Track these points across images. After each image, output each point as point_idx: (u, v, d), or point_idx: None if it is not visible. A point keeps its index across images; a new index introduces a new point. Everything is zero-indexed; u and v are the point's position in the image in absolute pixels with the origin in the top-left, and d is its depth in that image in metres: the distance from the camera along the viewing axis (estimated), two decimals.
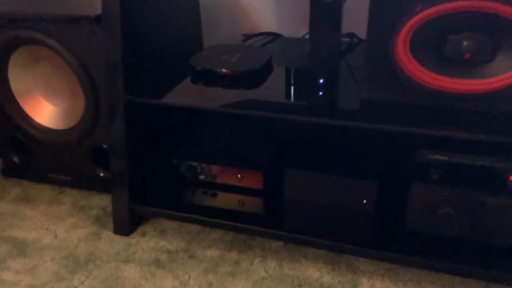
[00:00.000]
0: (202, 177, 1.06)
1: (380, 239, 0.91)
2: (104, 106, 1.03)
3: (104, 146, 1.08)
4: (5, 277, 0.91)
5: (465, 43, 0.76)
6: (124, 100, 0.95)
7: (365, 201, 0.94)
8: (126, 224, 1.02)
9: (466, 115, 0.81)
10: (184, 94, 0.97)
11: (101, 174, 1.12)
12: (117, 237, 1.02)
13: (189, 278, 0.91)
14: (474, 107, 0.80)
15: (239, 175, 1.05)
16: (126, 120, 0.97)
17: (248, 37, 1.26)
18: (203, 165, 1.06)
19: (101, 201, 1.14)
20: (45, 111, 1.13)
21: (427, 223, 0.85)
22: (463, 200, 0.80)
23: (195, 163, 1.06)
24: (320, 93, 0.95)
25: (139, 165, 1.03)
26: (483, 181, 0.79)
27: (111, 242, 1.01)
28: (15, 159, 1.19)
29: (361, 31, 1.18)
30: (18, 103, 1.12)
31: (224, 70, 0.99)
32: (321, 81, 0.94)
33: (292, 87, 0.97)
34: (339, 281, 0.89)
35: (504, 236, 0.82)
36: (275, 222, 0.97)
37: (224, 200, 1.04)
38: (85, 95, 1.04)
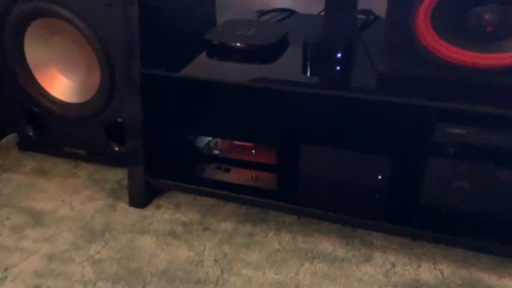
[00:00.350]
0: (216, 151, 1.07)
1: (394, 214, 0.92)
2: (119, 80, 1.03)
3: (119, 120, 1.09)
4: (24, 245, 0.93)
5: (487, 15, 0.75)
6: (140, 73, 0.95)
7: (380, 177, 0.95)
8: (142, 196, 1.04)
9: (485, 90, 0.80)
10: (200, 68, 0.97)
11: (116, 148, 1.13)
12: (132, 209, 1.03)
13: (204, 249, 0.92)
14: (494, 82, 0.79)
15: (253, 150, 1.06)
16: (142, 93, 0.97)
17: (262, 13, 1.25)
18: (217, 140, 1.07)
19: (116, 175, 1.15)
20: (61, 85, 1.14)
21: (443, 197, 0.85)
22: (479, 175, 0.80)
23: (209, 138, 1.07)
24: (337, 68, 0.94)
25: (155, 139, 1.04)
26: (500, 156, 0.79)
27: (126, 214, 1.02)
28: (31, 133, 1.20)
29: (378, 8, 1.17)
30: (34, 77, 1.13)
31: (240, 44, 0.99)
32: (339, 55, 0.93)
33: (309, 62, 0.97)
34: (353, 255, 0.90)
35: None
36: (289, 196, 0.98)
37: (238, 175, 1.04)
38: (100, 69, 1.04)
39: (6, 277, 0.85)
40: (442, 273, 0.85)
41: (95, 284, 0.84)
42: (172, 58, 1.01)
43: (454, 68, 0.80)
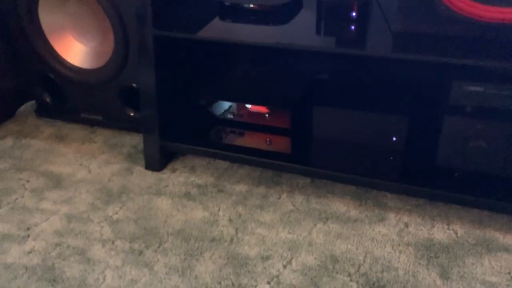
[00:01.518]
0: (230, 115, 1.07)
1: (409, 174, 0.91)
2: (134, 44, 1.03)
3: (134, 85, 1.10)
4: (44, 206, 0.96)
5: None
6: (153, 35, 0.95)
7: (394, 139, 0.94)
8: (157, 160, 1.05)
9: (503, 45, 0.78)
10: (212, 29, 0.97)
11: (131, 114, 1.14)
12: (149, 172, 1.05)
13: (219, 209, 0.93)
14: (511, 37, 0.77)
15: (266, 114, 1.06)
16: (155, 57, 0.97)
17: None
18: (231, 103, 1.07)
19: (132, 140, 1.16)
20: (75, 50, 1.14)
21: (459, 157, 0.84)
22: (496, 133, 0.79)
23: (223, 102, 1.07)
24: (352, 27, 0.92)
25: (169, 103, 1.04)
26: None
27: (143, 177, 1.04)
28: (47, 99, 1.21)
29: None
30: (49, 43, 1.14)
31: (252, 4, 0.98)
32: (353, 14, 0.91)
33: (323, 21, 0.95)
34: (366, 215, 0.91)
35: None
36: (303, 159, 0.98)
37: (252, 139, 1.05)
38: (114, 34, 1.05)
39: (28, 235, 0.89)
40: (456, 232, 0.85)
41: (113, 242, 0.87)
42: (184, 20, 1.01)
43: (472, 23, 0.78)
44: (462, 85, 0.77)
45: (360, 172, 0.92)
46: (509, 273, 0.77)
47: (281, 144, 1.04)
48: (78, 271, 0.81)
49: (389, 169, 0.93)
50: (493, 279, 0.76)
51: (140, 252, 0.84)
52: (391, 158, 0.95)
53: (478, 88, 0.76)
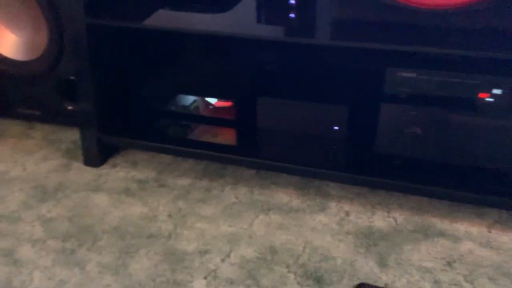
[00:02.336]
0: (173, 107, 1.04)
1: (351, 163, 0.91)
2: (69, 35, 0.99)
3: (72, 78, 1.05)
4: None
5: None
6: (86, 23, 0.91)
7: (336, 128, 0.93)
8: (96, 155, 1.01)
9: (438, 32, 0.78)
10: (153, 18, 0.93)
11: (70, 107, 1.10)
12: (88, 168, 1.01)
13: (159, 205, 0.90)
14: (444, 23, 0.77)
15: (211, 106, 1.03)
16: (90, 46, 0.93)
17: None
18: (174, 95, 1.04)
19: (72, 135, 1.12)
20: (8, 42, 1.08)
21: (396, 144, 0.84)
22: (431, 119, 0.79)
23: (166, 93, 1.04)
24: (292, 15, 0.91)
25: (107, 95, 1.00)
26: (452, 99, 0.77)
27: (81, 173, 0.99)
28: None
29: None
30: None
31: None
32: (293, 2, 0.90)
33: (263, 9, 0.93)
34: (308, 205, 0.89)
35: (471, 155, 0.81)
36: (248, 150, 0.96)
37: (196, 131, 1.02)
38: (47, 24, 0.99)
39: None
40: (395, 220, 0.85)
41: (44, 242, 0.82)
42: (121, 8, 0.97)
43: (408, 10, 0.78)
44: (395, 71, 0.77)
45: (303, 162, 0.91)
46: (444, 258, 0.77)
47: (227, 136, 1.01)
48: (3, 273, 0.76)
49: (331, 158, 0.93)
50: (429, 264, 0.76)
51: (73, 251, 0.80)
52: (334, 147, 0.94)
53: (411, 74, 0.76)
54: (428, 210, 0.87)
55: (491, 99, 0.75)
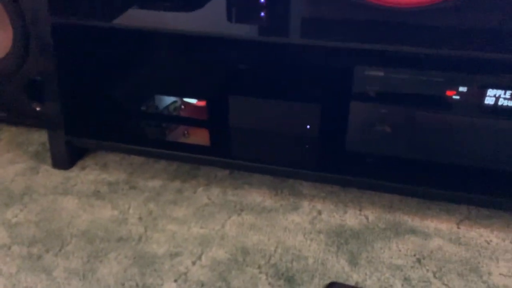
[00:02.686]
0: (143, 108, 1.02)
1: (323, 162, 0.91)
2: (34, 34, 0.96)
3: (39, 78, 1.02)
4: None
5: None
6: (51, 23, 0.88)
7: (308, 126, 0.93)
8: (65, 158, 0.98)
9: (406, 30, 0.78)
10: (122, 16, 0.91)
11: (38, 108, 1.07)
12: (56, 171, 0.98)
13: (129, 207, 0.89)
14: (411, 21, 0.77)
15: (182, 105, 1.02)
16: (56, 46, 0.90)
17: None
18: (145, 95, 1.02)
19: (41, 137, 1.09)
20: None
21: (367, 142, 0.85)
22: (400, 117, 0.80)
23: (136, 93, 1.02)
24: (262, 13, 0.90)
25: (75, 96, 0.98)
26: (420, 97, 0.78)
27: (49, 176, 0.97)
28: None
29: None
30: None
31: None
32: (263, 0, 0.89)
33: (232, 8, 0.92)
34: (280, 205, 0.89)
35: (440, 152, 0.82)
36: (221, 151, 0.95)
37: (168, 132, 1.01)
38: (12, 23, 0.96)
39: None
40: (367, 218, 0.86)
41: (9, 248, 0.80)
42: (88, 7, 0.94)
43: (377, 8, 0.78)
44: (363, 70, 0.77)
45: (276, 162, 0.91)
46: (414, 255, 0.78)
47: (199, 136, 1.00)
48: None
49: (304, 157, 0.92)
50: (399, 261, 0.76)
51: (39, 257, 0.78)
52: (306, 146, 0.94)
53: (378, 73, 0.76)
54: (400, 207, 0.88)
55: (458, 97, 0.76)
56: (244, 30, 0.88)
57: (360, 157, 0.88)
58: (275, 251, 0.79)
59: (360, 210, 0.87)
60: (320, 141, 0.93)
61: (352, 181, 0.88)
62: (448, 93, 0.76)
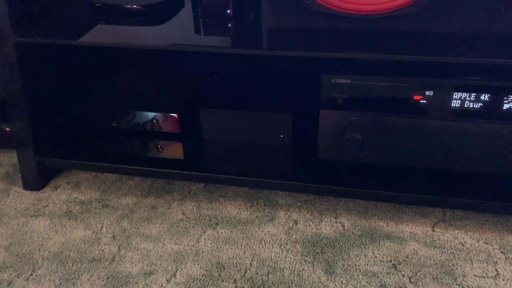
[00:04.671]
0: (114, 124, 1.01)
1: (298, 171, 0.90)
2: None
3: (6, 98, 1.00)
4: None
5: None
6: (14, 42, 0.87)
7: (282, 136, 0.93)
8: (36, 178, 0.96)
9: (371, 37, 0.79)
10: (88, 33, 0.90)
11: (7, 129, 1.05)
12: (27, 192, 0.96)
13: (102, 226, 0.87)
14: (375, 28, 0.78)
15: (154, 120, 1.01)
16: (21, 65, 0.89)
17: None
18: (115, 111, 1.00)
19: (12, 158, 1.06)
20: None
21: (340, 150, 0.84)
22: (369, 123, 0.80)
23: (106, 110, 1.00)
24: (229, 25, 0.90)
25: (44, 115, 0.96)
26: (388, 102, 0.78)
27: (20, 198, 0.95)
28: None
29: None
30: None
31: (126, 5, 0.92)
32: (228, 11, 0.89)
33: (199, 20, 0.91)
34: (256, 216, 0.88)
35: (411, 156, 0.82)
36: (195, 164, 0.94)
37: (141, 147, 0.99)
38: None
39: None
40: (343, 225, 0.85)
41: None
42: (50, 24, 0.93)
43: (340, 17, 0.78)
44: (330, 78, 0.77)
45: (251, 173, 0.90)
46: (390, 260, 0.77)
47: (173, 150, 0.99)
48: None
49: (278, 167, 0.92)
50: (375, 268, 0.76)
51: (10, 283, 0.76)
52: (281, 156, 0.93)
53: (345, 80, 0.76)
54: (375, 213, 0.88)
55: (425, 101, 0.76)
56: (212, 43, 0.88)
57: (334, 165, 0.88)
58: (250, 264, 0.78)
59: (336, 218, 0.87)
60: (294, 150, 0.93)
61: (326, 189, 0.88)
62: (415, 97, 0.76)
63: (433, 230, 0.83)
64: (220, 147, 0.97)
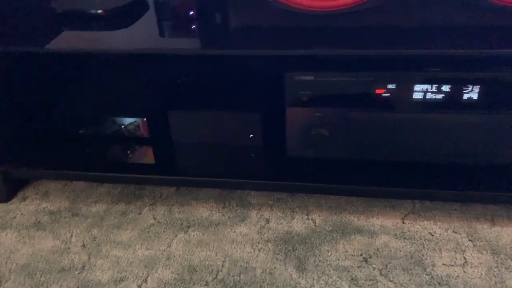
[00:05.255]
0: (82, 131, 0.99)
1: (269, 170, 0.90)
2: None
3: None
4: None
5: None
6: None
7: (251, 135, 0.93)
8: (2, 190, 0.94)
9: (332, 33, 0.79)
10: (49, 40, 0.88)
11: None
12: None
13: (71, 235, 0.86)
14: (338, 24, 0.78)
15: (123, 125, 0.99)
16: None
17: None
18: (83, 118, 0.99)
19: None
20: None
21: (309, 147, 0.84)
22: (335, 119, 0.80)
23: (73, 117, 0.99)
24: (193, 26, 0.89)
25: (9, 123, 0.94)
26: (351, 97, 0.79)
27: None
28: None
29: None
30: None
31: (94, 10, 0.91)
32: (192, 13, 0.88)
33: (163, 22, 0.91)
34: (228, 217, 0.88)
35: (377, 150, 0.83)
36: (166, 168, 0.93)
37: (111, 153, 0.98)
38: None
39: None
40: (314, 221, 0.85)
41: None
42: (17, 33, 0.91)
43: (300, 14, 0.78)
44: (293, 75, 0.77)
45: (222, 174, 0.90)
46: (361, 254, 0.78)
47: (142, 155, 0.98)
48: None
49: (249, 167, 0.92)
50: (346, 263, 0.76)
51: None
52: (251, 155, 0.93)
53: (308, 77, 0.77)
54: (346, 208, 0.88)
55: (388, 94, 0.77)
56: (177, 45, 0.87)
57: (304, 162, 0.88)
58: (222, 265, 0.78)
59: (307, 215, 0.87)
60: (264, 149, 0.93)
61: (297, 186, 0.88)
62: (378, 91, 0.77)
63: (403, 222, 0.84)
64: (190, 150, 0.96)
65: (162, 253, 0.81)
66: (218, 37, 0.86)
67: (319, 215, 0.87)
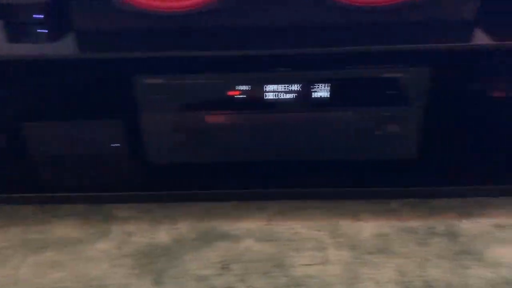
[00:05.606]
0: None
1: (134, 180, 0.86)
2: None
3: None
4: None
5: None
6: None
7: (113, 144, 0.88)
8: None
9: (182, 34, 0.76)
10: None
11: None
12: None
13: None
14: (188, 25, 0.76)
15: None
16: None
17: None
18: None
19: None
20: None
21: (170, 153, 0.81)
22: (191, 123, 0.78)
23: None
24: (41, 30, 0.83)
25: None
26: (206, 100, 0.76)
27: None
28: None
29: None
30: None
31: None
32: (37, 16, 0.82)
33: (10, 28, 0.84)
34: (90, 233, 0.82)
35: (239, 151, 0.81)
36: (21, 185, 0.86)
37: None
38: None
39: None
40: (180, 231, 0.82)
41: None
42: None
43: (147, 15, 0.75)
44: (142, 79, 0.74)
45: (85, 188, 0.84)
46: (221, 261, 0.75)
47: None
48: None
49: (114, 178, 0.86)
50: (206, 271, 0.74)
51: None
52: (118, 166, 0.88)
53: (157, 80, 0.74)
54: (215, 214, 0.86)
55: (242, 96, 0.76)
56: (21, 51, 0.81)
57: (168, 170, 0.84)
58: (76, 286, 0.72)
59: (174, 224, 0.84)
60: (128, 159, 0.88)
61: (163, 195, 0.85)
62: (231, 93, 0.75)
63: (269, 224, 0.83)
64: (51, 163, 0.89)
65: (8, 279, 0.73)
66: (66, 41, 0.81)
67: (185, 224, 0.83)
